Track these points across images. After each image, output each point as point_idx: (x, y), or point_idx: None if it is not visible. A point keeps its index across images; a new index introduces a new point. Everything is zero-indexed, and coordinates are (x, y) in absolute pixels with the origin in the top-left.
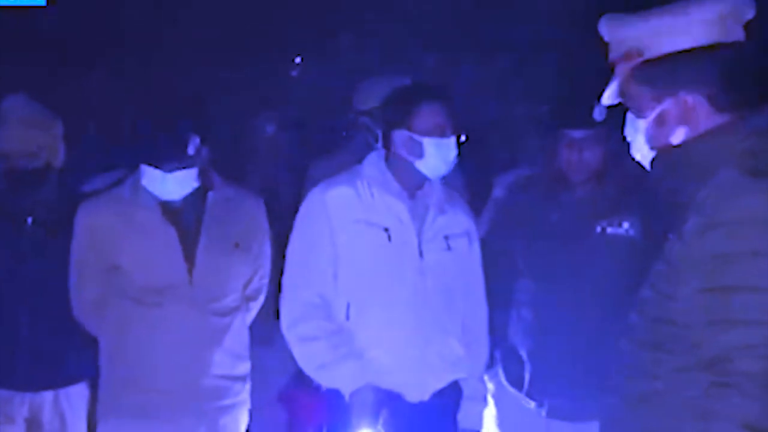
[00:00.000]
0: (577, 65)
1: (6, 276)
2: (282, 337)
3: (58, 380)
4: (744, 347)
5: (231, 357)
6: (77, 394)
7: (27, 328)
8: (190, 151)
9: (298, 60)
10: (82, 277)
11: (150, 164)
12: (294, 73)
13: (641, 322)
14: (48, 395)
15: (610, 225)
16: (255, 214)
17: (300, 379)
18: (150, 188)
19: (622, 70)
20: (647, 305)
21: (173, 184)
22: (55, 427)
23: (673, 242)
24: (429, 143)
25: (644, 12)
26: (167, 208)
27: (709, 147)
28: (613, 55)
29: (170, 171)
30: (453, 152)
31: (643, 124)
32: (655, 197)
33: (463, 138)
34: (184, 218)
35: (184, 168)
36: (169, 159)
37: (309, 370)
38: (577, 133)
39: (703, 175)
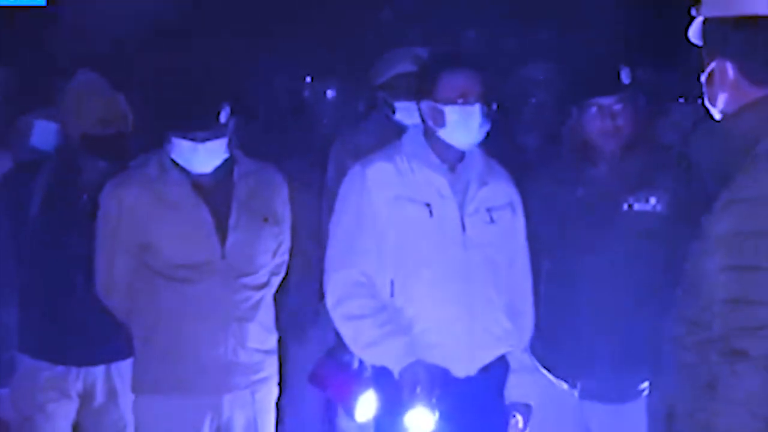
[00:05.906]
0: (598, 33)
1: (60, 252)
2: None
3: (110, 355)
4: (756, 328)
5: (263, 331)
6: (128, 368)
7: (79, 304)
8: (222, 119)
9: (308, 80)
10: (110, 256)
11: (181, 136)
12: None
13: (681, 295)
14: (100, 370)
15: (637, 201)
16: (279, 188)
17: (332, 358)
18: (180, 161)
19: None
20: (684, 279)
21: (204, 156)
22: (107, 401)
23: (706, 217)
24: (450, 111)
25: None
26: (197, 184)
27: (751, 120)
28: None
29: (202, 141)
30: (476, 120)
31: None
32: (689, 172)
33: (494, 107)
34: (214, 193)
35: (215, 138)
36: (201, 127)
37: (356, 348)
38: (606, 100)
39: (744, 149)
